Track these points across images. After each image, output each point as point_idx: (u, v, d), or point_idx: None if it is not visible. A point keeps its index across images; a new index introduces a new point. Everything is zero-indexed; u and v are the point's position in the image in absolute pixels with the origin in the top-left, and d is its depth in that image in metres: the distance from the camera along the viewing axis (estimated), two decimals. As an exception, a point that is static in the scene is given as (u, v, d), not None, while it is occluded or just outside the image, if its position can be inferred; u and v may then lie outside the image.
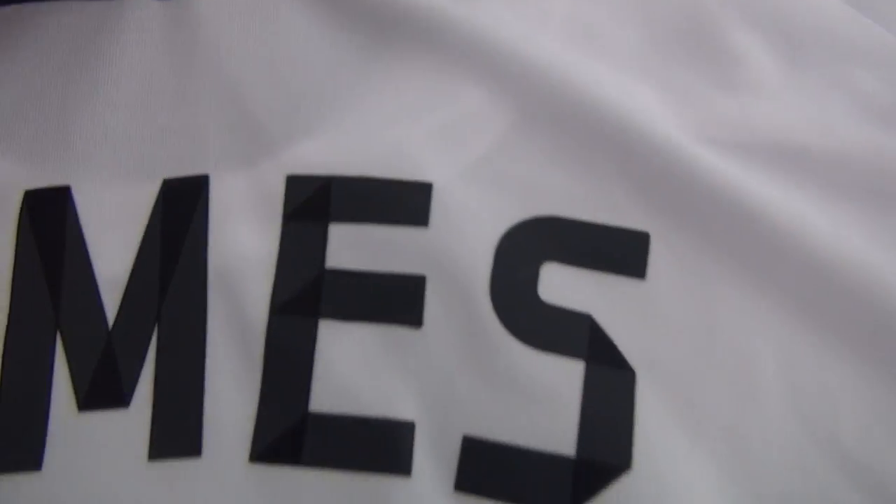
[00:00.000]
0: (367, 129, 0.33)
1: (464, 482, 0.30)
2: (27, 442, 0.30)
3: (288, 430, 0.30)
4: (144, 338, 0.32)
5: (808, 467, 0.29)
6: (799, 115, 0.33)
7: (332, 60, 0.34)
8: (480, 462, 0.30)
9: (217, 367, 0.31)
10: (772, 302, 0.31)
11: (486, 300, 0.31)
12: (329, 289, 0.32)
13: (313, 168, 0.33)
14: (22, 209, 0.33)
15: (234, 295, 0.32)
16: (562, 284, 0.31)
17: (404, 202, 0.32)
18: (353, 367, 0.31)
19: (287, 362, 0.31)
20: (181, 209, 0.33)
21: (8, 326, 0.32)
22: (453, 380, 0.30)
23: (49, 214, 0.33)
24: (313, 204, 0.32)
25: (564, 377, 0.30)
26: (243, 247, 0.32)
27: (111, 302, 0.32)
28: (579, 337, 0.31)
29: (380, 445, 0.30)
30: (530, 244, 0.32)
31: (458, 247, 0.31)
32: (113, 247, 0.33)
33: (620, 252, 0.31)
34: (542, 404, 0.30)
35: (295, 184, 0.33)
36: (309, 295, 0.32)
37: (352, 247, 0.32)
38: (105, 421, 0.31)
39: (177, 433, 0.31)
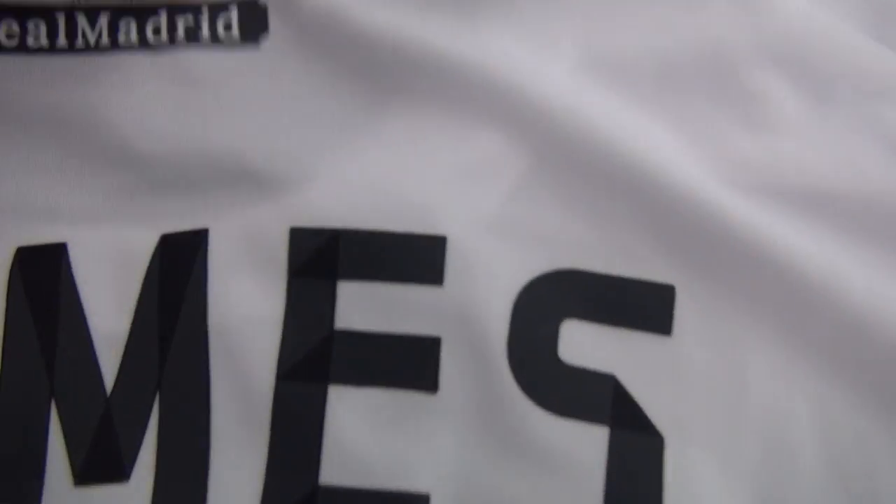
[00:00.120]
0: (375, 178, 0.31)
1: None
2: None
3: None
4: (145, 405, 0.30)
5: None
6: (826, 156, 0.31)
7: (336, 108, 0.32)
8: None
9: (222, 437, 0.30)
10: (804, 357, 0.29)
11: (504, 362, 0.29)
12: (339, 352, 0.30)
13: (319, 220, 0.31)
14: (13, 267, 0.31)
15: (238, 358, 0.30)
16: (583, 343, 0.30)
17: (418, 258, 0.30)
18: (365, 437, 0.29)
19: (295, 431, 0.29)
20: (180, 264, 0.31)
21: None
22: (470, 449, 0.29)
23: (42, 273, 0.31)
24: (320, 259, 0.31)
25: (587, 444, 0.29)
26: (246, 305, 0.31)
27: (109, 365, 0.30)
28: (602, 400, 0.29)
29: None
30: (549, 300, 0.30)
31: (474, 305, 0.30)
32: (109, 306, 0.31)
33: (644, 306, 0.30)
34: (564, 474, 0.28)
35: (299, 237, 0.31)
36: (317, 358, 0.30)
37: (362, 306, 0.30)
38: (103, 496, 0.29)
39: None
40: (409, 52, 0.32)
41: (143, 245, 0.31)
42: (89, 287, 0.31)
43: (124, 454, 0.30)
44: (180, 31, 0.32)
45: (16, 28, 0.32)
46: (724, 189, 0.30)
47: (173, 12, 0.32)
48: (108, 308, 0.31)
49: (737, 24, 0.32)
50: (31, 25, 0.32)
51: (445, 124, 0.32)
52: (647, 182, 0.30)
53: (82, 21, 0.32)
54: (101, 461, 0.30)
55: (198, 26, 0.32)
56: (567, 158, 0.31)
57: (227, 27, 0.32)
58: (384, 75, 0.32)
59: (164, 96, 0.32)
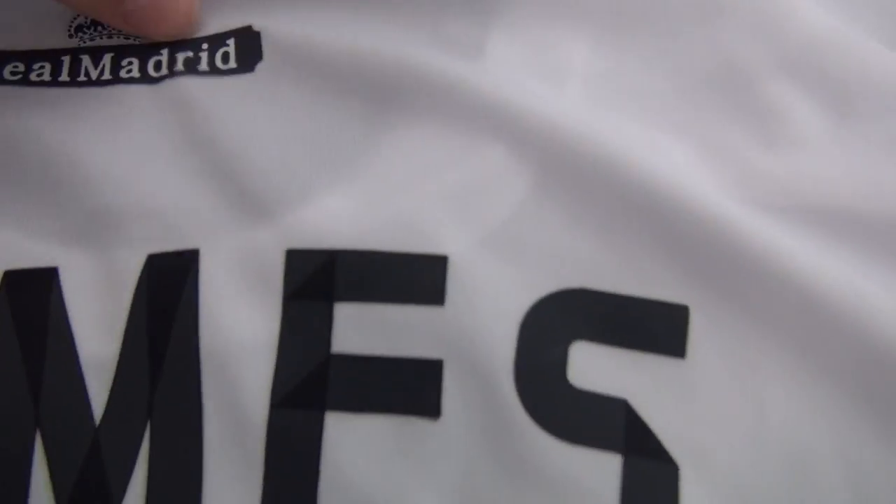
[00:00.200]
0: (372, 197, 0.30)
1: None
2: None
3: None
4: (136, 435, 0.29)
5: None
6: (849, 174, 0.30)
7: (332, 125, 0.31)
8: None
9: (215, 468, 0.28)
10: (826, 383, 0.28)
11: (511, 387, 0.28)
12: (336, 376, 0.29)
13: (315, 241, 0.30)
14: (0, 292, 0.30)
15: (231, 384, 0.29)
16: (593, 366, 0.28)
17: (417, 278, 0.29)
18: (365, 466, 0.28)
19: (291, 461, 0.28)
20: (169, 286, 0.30)
21: None
22: (476, 478, 0.28)
23: (31, 297, 0.30)
24: (316, 281, 0.29)
25: (600, 473, 0.27)
26: (239, 329, 0.29)
27: (98, 394, 0.29)
28: (615, 426, 0.28)
29: None
30: (557, 321, 0.29)
31: (478, 327, 0.28)
32: (98, 331, 0.30)
33: (657, 328, 0.29)
34: (575, 504, 0.27)
35: (295, 259, 0.30)
36: (313, 384, 0.29)
37: (360, 329, 0.29)
38: None
39: None
40: (411, 67, 0.31)
41: (131, 267, 0.30)
42: (78, 311, 0.30)
43: (113, 488, 0.28)
44: (179, 65, 0.32)
45: (21, 67, 0.32)
46: (740, 206, 0.29)
47: (174, 49, 0.32)
48: (97, 333, 0.30)
49: (752, 36, 0.31)
50: (35, 66, 0.32)
51: (444, 140, 0.31)
52: (658, 198, 0.29)
53: (86, 61, 0.32)
54: (88, 496, 0.28)
55: (197, 60, 0.32)
56: (573, 174, 0.30)
57: (226, 58, 0.32)
58: (380, 94, 0.31)
59: (162, 123, 0.31)
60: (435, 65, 0.31)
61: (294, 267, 0.30)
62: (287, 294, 0.30)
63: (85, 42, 0.33)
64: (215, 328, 0.29)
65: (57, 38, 0.33)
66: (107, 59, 0.32)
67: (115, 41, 0.33)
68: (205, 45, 0.33)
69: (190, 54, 0.32)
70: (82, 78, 0.32)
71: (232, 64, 0.32)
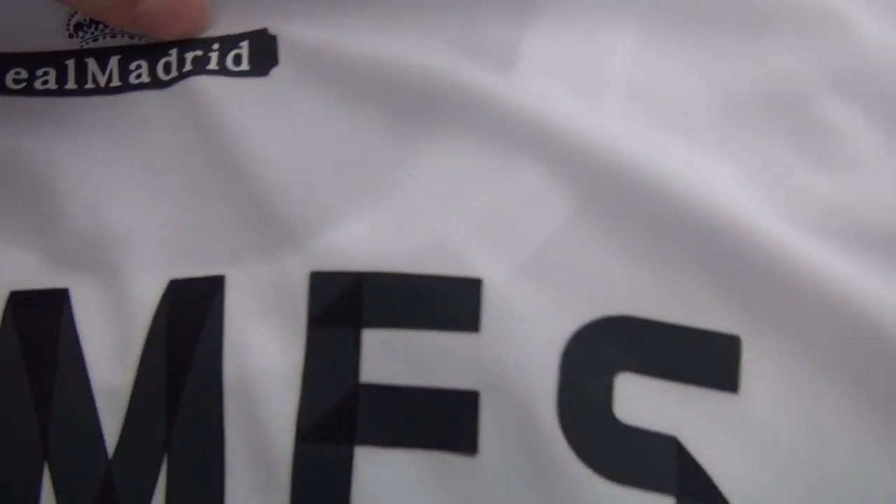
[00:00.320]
0: (401, 217, 0.29)
1: None
2: None
3: None
4: (151, 469, 0.27)
5: None
6: None
7: (359, 141, 0.29)
8: None
9: None
10: (888, 418, 0.26)
11: (553, 421, 0.26)
12: (365, 408, 0.27)
13: (341, 263, 0.28)
14: (5, 313, 0.29)
15: (254, 416, 0.27)
16: (640, 399, 0.27)
17: (450, 303, 0.27)
18: (397, 505, 0.26)
19: (319, 499, 0.26)
20: (191, 313, 0.28)
21: None
22: (516, 520, 0.26)
23: (40, 320, 0.28)
24: (343, 305, 0.28)
25: None
26: (264, 357, 0.28)
27: (111, 425, 0.27)
28: (665, 466, 0.26)
29: None
30: (601, 350, 0.27)
31: (516, 355, 0.27)
32: (112, 357, 0.28)
33: (707, 360, 0.27)
34: (624, 551, 0.25)
35: (320, 281, 0.28)
36: (342, 415, 0.27)
37: (390, 357, 0.27)
38: None
39: None
40: (438, 78, 0.29)
41: (149, 291, 0.29)
42: (90, 337, 0.28)
43: None
44: (188, 65, 0.30)
45: (24, 74, 0.31)
46: (793, 230, 0.28)
47: (183, 49, 0.31)
48: (111, 360, 0.28)
49: (805, 52, 0.30)
50: (39, 72, 0.31)
51: (476, 158, 0.29)
52: (707, 222, 0.28)
53: (92, 65, 0.31)
54: None
55: (207, 59, 0.30)
56: (616, 195, 0.28)
57: (237, 61, 0.30)
58: (409, 104, 0.30)
59: (176, 132, 0.30)
60: (464, 76, 0.29)
61: (318, 290, 0.28)
62: (312, 319, 0.28)
63: (87, 42, 0.31)
64: (239, 357, 0.27)
65: (56, 38, 0.31)
66: (114, 63, 0.31)
67: (119, 41, 0.31)
68: (216, 46, 0.31)
69: (199, 53, 0.31)
70: (90, 85, 0.31)
71: (244, 66, 0.30)
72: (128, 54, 0.31)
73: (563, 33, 0.31)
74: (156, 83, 0.30)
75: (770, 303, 0.27)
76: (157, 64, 0.31)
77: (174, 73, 0.30)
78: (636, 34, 0.30)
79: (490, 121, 0.29)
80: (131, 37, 0.32)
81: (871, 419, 0.26)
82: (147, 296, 0.28)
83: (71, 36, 0.31)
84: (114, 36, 0.31)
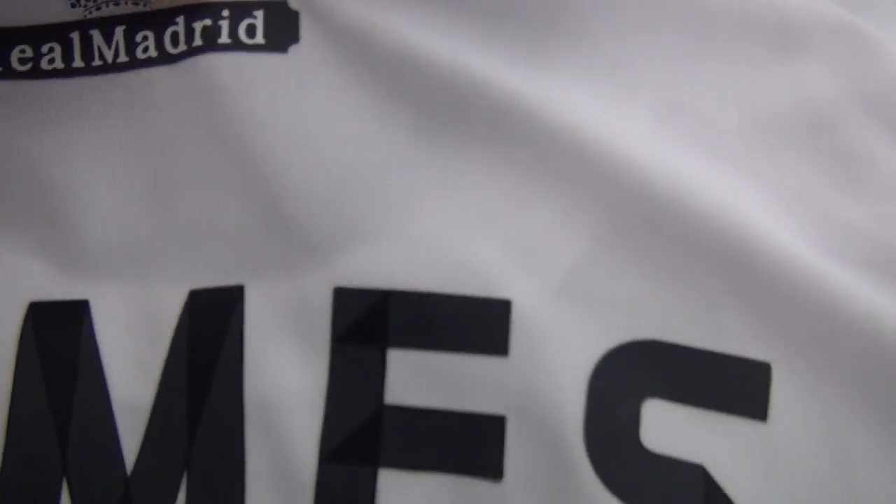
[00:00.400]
0: (428, 234, 0.28)
1: None
2: None
3: None
4: (171, 487, 0.27)
5: None
6: None
7: (384, 148, 0.28)
8: None
9: None
10: None
11: (580, 447, 0.26)
12: (389, 430, 0.27)
13: (365, 280, 0.28)
14: (24, 325, 0.28)
15: (276, 435, 0.27)
16: (667, 427, 0.26)
17: (479, 325, 0.27)
18: (421, 531, 0.26)
19: None
20: (212, 326, 0.28)
21: (2, 473, 0.27)
22: (541, 548, 0.25)
23: (60, 332, 0.28)
24: (368, 324, 0.27)
25: None
26: (286, 375, 0.27)
27: (130, 440, 0.27)
28: (692, 495, 0.26)
29: None
30: (629, 376, 0.27)
31: (544, 380, 0.26)
32: (132, 372, 0.28)
33: (736, 386, 0.27)
34: (650, 581, 0.25)
35: (344, 298, 0.28)
36: (365, 437, 0.27)
37: (415, 378, 0.27)
38: None
39: None
40: (466, 84, 0.28)
41: (171, 302, 0.28)
42: (111, 350, 0.28)
43: None
44: (197, 37, 0.28)
45: (29, 52, 0.29)
46: (825, 257, 0.27)
47: (191, 17, 0.29)
48: (131, 374, 0.28)
49: (836, 75, 0.29)
50: (44, 49, 0.29)
51: (510, 174, 0.28)
52: (738, 247, 0.27)
53: (98, 38, 0.29)
54: None
55: (216, 30, 0.28)
56: (646, 218, 0.28)
57: (251, 32, 0.29)
58: (439, 113, 0.29)
59: (189, 117, 0.29)
60: (496, 80, 0.28)
61: (343, 306, 0.28)
62: (335, 336, 0.27)
63: (91, 12, 0.29)
64: (261, 374, 0.27)
65: (58, 6, 0.29)
66: (119, 35, 0.29)
67: (123, 8, 0.29)
68: (225, 13, 0.29)
69: (208, 22, 0.29)
70: (97, 62, 0.29)
71: (259, 39, 0.29)
72: (133, 24, 0.29)
73: (592, 39, 0.30)
74: (164, 58, 0.29)
75: (802, 330, 0.27)
76: (163, 35, 0.29)
77: (182, 47, 0.29)
78: (668, 51, 0.30)
79: (522, 134, 0.28)
80: (135, 2, 0.30)
81: None
82: (169, 307, 0.28)
83: (73, 5, 0.30)
84: (117, 3, 0.30)
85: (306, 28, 0.29)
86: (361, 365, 0.27)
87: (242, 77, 0.28)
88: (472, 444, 0.26)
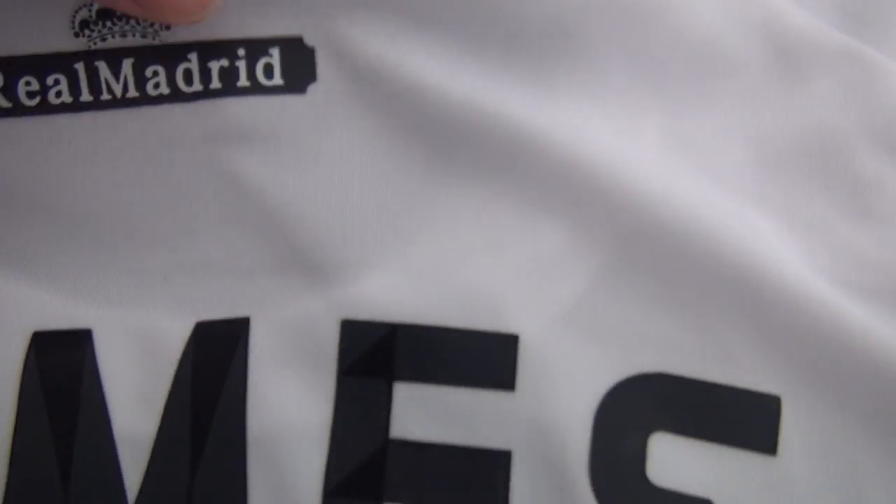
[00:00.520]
0: (437, 266, 0.28)
1: None
2: None
3: None
4: None
5: None
6: None
7: (391, 179, 0.28)
8: None
9: None
10: None
11: (585, 483, 0.26)
12: (395, 464, 0.26)
13: (373, 312, 0.27)
14: (28, 354, 0.28)
15: (280, 469, 0.27)
16: (674, 461, 0.26)
17: (486, 359, 0.27)
18: (426, 568, 0.25)
19: None
20: (216, 358, 0.28)
21: (5, 503, 0.27)
22: (548, 585, 0.25)
23: (62, 362, 0.28)
24: (374, 357, 0.27)
25: None
26: (290, 409, 0.27)
27: (133, 473, 0.27)
28: None
29: None
30: (635, 409, 0.26)
31: (551, 416, 0.26)
32: (135, 403, 0.28)
33: (746, 420, 0.26)
34: None
35: (351, 330, 0.27)
36: (370, 472, 0.26)
37: (422, 413, 0.27)
38: None
39: None
40: (478, 117, 0.28)
41: (176, 334, 0.28)
42: (114, 380, 0.28)
43: None
44: (214, 78, 0.28)
45: (36, 85, 0.28)
46: (835, 287, 0.27)
47: (205, 55, 0.28)
48: (134, 405, 0.28)
49: (845, 104, 0.29)
50: (50, 80, 0.28)
51: (518, 205, 0.28)
52: (747, 277, 0.27)
53: (104, 71, 0.28)
54: None
55: (234, 71, 0.28)
56: (654, 248, 0.28)
57: (269, 72, 0.28)
58: (448, 141, 0.28)
59: (205, 160, 0.28)
60: (505, 112, 0.28)
61: (349, 339, 0.27)
62: (342, 369, 0.27)
63: (95, 43, 0.28)
64: (264, 407, 0.27)
65: (62, 36, 0.28)
66: (127, 68, 0.28)
67: (129, 41, 0.28)
68: (241, 52, 0.28)
69: (225, 63, 0.28)
70: (105, 96, 0.28)
71: (277, 80, 0.28)
72: (141, 57, 0.28)
73: (598, 69, 0.29)
74: (177, 95, 0.28)
75: (812, 363, 0.27)
76: (175, 71, 0.28)
77: (197, 86, 0.28)
78: (674, 81, 0.30)
79: (531, 163, 0.28)
80: (143, 35, 0.29)
81: None
82: (174, 338, 0.28)
83: (77, 35, 0.29)
84: (123, 35, 0.29)
85: (323, 65, 0.28)
86: (367, 398, 0.27)
87: (262, 121, 0.28)
88: (478, 479, 0.26)
